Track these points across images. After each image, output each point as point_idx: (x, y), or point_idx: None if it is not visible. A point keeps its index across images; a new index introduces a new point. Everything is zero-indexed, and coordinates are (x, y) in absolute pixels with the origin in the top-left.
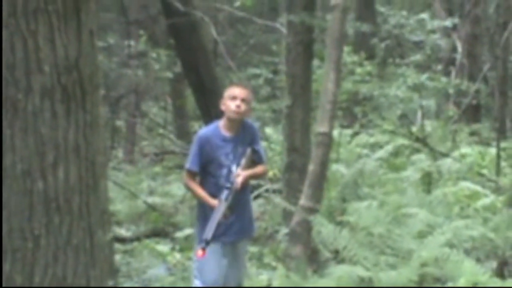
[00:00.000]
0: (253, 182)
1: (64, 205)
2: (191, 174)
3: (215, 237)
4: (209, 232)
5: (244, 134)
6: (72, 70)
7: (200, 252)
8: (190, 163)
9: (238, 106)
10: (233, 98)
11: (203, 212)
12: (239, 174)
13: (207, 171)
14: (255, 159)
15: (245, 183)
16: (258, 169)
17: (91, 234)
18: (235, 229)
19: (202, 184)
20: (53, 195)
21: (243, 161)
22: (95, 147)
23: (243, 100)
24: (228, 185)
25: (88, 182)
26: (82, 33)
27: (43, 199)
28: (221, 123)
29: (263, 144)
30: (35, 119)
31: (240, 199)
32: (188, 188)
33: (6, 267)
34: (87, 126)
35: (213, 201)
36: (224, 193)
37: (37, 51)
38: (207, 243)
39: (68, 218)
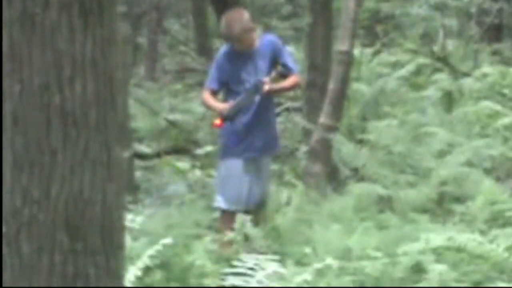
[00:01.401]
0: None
1: (81, 119)
2: (211, 92)
3: (236, 153)
4: (230, 110)
5: (263, 49)
6: None
7: (217, 121)
8: (209, 81)
9: (237, 45)
10: (231, 39)
11: (230, 123)
12: (267, 82)
13: (230, 89)
14: (284, 73)
15: (271, 92)
16: (289, 81)
17: (108, 149)
18: (258, 145)
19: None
20: (70, 109)
21: (273, 73)
22: (113, 62)
23: (238, 39)
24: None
25: (106, 96)
26: None
27: (60, 113)
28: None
29: (289, 51)
30: (53, 33)
31: (264, 114)
32: (205, 105)
33: (23, 181)
34: (104, 40)
35: (225, 104)
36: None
37: None
38: (226, 117)
39: (85, 132)
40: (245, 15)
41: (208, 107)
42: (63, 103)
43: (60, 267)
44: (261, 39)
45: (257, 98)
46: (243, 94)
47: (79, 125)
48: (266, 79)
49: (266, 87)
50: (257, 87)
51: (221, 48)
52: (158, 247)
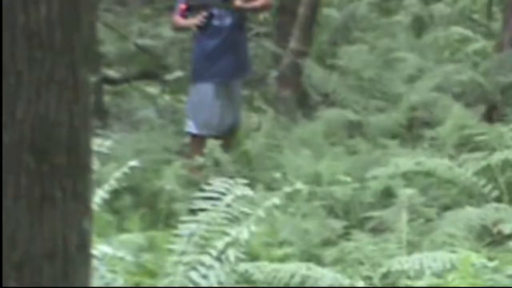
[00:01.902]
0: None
1: (46, 40)
2: (180, 14)
3: (207, 77)
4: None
5: None
6: None
7: (182, 6)
8: (176, 9)
9: None
10: None
11: (201, 46)
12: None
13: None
14: None
15: (241, 10)
16: (260, 1)
17: (74, 71)
18: (229, 69)
19: (197, 30)
20: (35, 30)
21: None
22: None
23: None
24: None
25: (71, 17)
26: None
27: (25, 33)
28: None
29: None
30: None
31: (235, 37)
32: (176, 27)
33: None
34: None
35: (196, 19)
36: None
37: None
38: (192, 5)
39: (50, 53)
40: None
41: (181, 27)
42: (28, 23)
43: (26, 190)
44: None
45: (225, 13)
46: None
47: (45, 46)
48: None
49: (237, 2)
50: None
51: None
52: (125, 169)
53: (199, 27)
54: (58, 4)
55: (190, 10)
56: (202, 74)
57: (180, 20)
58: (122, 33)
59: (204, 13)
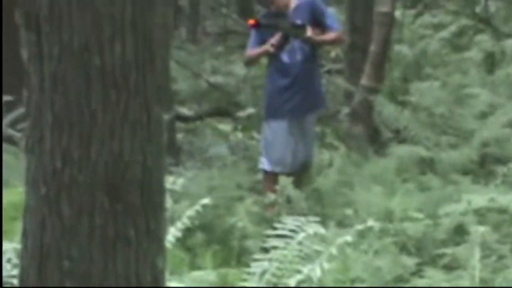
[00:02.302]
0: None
1: (121, 80)
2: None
3: (280, 114)
4: (267, 18)
5: (301, 9)
6: None
7: (252, 20)
8: (250, 43)
9: (271, 5)
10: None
11: (273, 83)
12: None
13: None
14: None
15: (312, 40)
16: (330, 35)
17: (148, 110)
18: (302, 105)
19: (269, 67)
20: (110, 70)
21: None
22: (152, 23)
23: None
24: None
25: (145, 58)
26: None
27: (100, 74)
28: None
29: (330, 11)
30: None
31: (307, 74)
32: (248, 61)
33: (63, 142)
34: (144, 1)
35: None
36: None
37: None
38: (261, 22)
39: (125, 93)
40: None
41: (253, 57)
42: (103, 64)
43: (100, 229)
44: (300, 0)
45: (296, 49)
46: (287, 23)
47: (119, 86)
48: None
49: (309, 32)
50: (301, 27)
51: (262, 12)
52: (197, 207)
53: (277, 47)
54: (132, 44)
55: (258, 28)
56: (275, 111)
57: (252, 51)
58: (195, 71)
59: (279, 34)
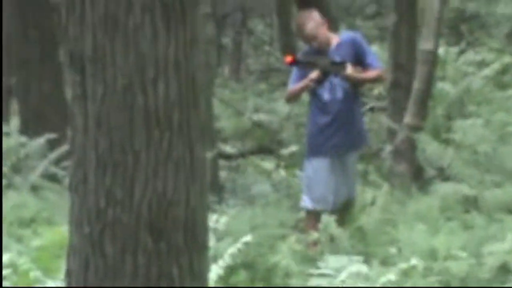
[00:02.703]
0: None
1: (164, 120)
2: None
3: (322, 152)
4: (307, 57)
5: (343, 46)
6: None
7: (289, 57)
8: (291, 81)
9: (313, 42)
10: (306, 37)
11: (315, 121)
12: (349, 66)
13: (311, 90)
14: (366, 69)
15: (352, 78)
16: (371, 73)
17: (191, 150)
18: (344, 143)
19: (311, 104)
20: (154, 110)
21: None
22: (195, 63)
23: (312, 36)
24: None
25: (188, 97)
26: None
27: (143, 114)
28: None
29: (372, 50)
30: (136, 35)
31: (348, 111)
32: (289, 97)
33: (106, 182)
34: (187, 42)
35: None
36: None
37: None
38: (299, 59)
39: (168, 133)
40: (315, 13)
41: (294, 93)
42: (146, 104)
43: (144, 268)
44: (342, 37)
45: (336, 86)
46: (326, 60)
47: (162, 126)
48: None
49: (349, 70)
50: (340, 64)
51: (304, 49)
52: (239, 245)
53: (317, 82)
54: (176, 84)
55: (296, 65)
56: (316, 149)
57: (293, 87)
58: (238, 109)
59: (318, 69)
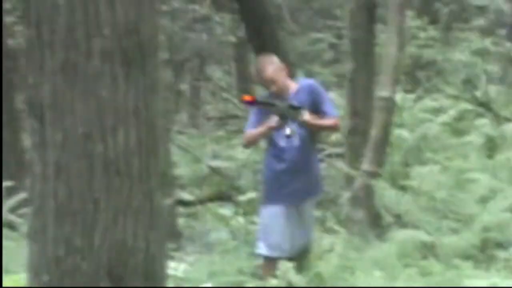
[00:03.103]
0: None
1: (124, 168)
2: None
3: (278, 200)
4: (265, 98)
5: (300, 93)
6: (132, 33)
7: (248, 97)
8: (248, 125)
9: (272, 87)
10: (265, 81)
11: (271, 168)
12: (306, 113)
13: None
14: (322, 116)
15: (308, 124)
16: (328, 120)
17: (150, 197)
18: (300, 191)
19: (267, 151)
20: (113, 158)
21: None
22: (155, 110)
23: (271, 80)
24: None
25: (148, 145)
26: None
27: (103, 162)
28: None
29: (329, 97)
30: (95, 82)
31: (305, 159)
32: (247, 142)
33: (66, 230)
34: (146, 89)
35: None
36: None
37: (97, 15)
38: (257, 99)
39: (127, 181)
40: (275, 57)
41: (253, 138)
42: (106, 152)
43: None
44: (300, 83)
45: (291, 123)
46: (284, 103)
47: (122, 173)
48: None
49: (306, 115)
50: (298, 109)
51: (262, 94)
52: None
53: (275, 129)
54: (136, 131)
55: (255, 105)
56: (272, 196)
57: (250, 131)
58: (196, 155)
59: (276, 112)
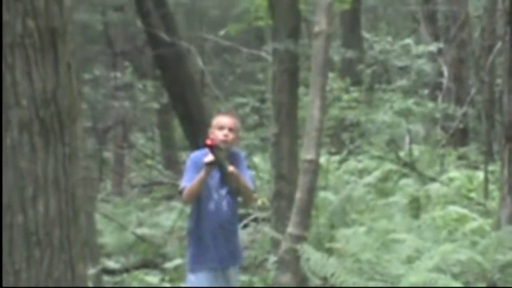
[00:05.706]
0: (241, 211)
1: (45, 238)
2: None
3: (203, 266)
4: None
5: (231, 163)
6: (50, 103)
7: (209, 140)
8: (184, 181)
9: (225, 135)
10: (221, 128)
11: (197, 230)
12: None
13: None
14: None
15: (231, 175)
16: (248, 185)
17: (72, 267)
18: (224, 255)
19: (193, 215)
20: (34, 229)
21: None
22: (75, 179)
23: (230, 129)
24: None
25: (68, 214)
26: (59, 66)
27: (23, 232)
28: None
29: (251, 173)
30: (14, 152)
31: (228, 225)
32: (189, 193)
33: None
34: (66, 158)
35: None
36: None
37: (14, 85)
38: (216, 146)
39: (48, 251)
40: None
41: (194, 187)
42: (26, 222)
43: None
44: (230, 154)
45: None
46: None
47: (43, 244)
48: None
49: (231, 168)
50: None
51: (193, 153)
52: None
53: (213, 163)
54: (56, 201)
55: (214, 149)
56: (197, 262)
57: (190, 184)
58: (121, 223)
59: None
